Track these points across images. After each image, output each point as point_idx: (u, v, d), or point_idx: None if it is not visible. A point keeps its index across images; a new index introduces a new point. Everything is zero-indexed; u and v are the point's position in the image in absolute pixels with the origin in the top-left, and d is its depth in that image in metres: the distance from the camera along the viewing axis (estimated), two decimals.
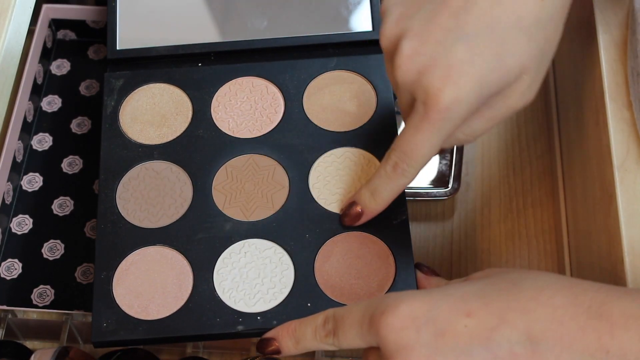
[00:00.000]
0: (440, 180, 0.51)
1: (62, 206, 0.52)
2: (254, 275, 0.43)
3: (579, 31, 0.49)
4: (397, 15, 0.38)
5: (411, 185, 0.50)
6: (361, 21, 0.50)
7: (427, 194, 0.51)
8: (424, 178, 0.51)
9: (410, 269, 0.42)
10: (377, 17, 0.49)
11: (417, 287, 0.42)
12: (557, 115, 0.54)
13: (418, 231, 0.52)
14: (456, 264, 0.51)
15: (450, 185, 0.51)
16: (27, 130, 0.54)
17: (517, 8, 0.35)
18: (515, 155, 0.55)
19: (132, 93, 0.49)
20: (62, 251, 0.50)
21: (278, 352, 0.39)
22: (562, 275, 0.43)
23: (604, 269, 0.43)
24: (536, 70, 0.37)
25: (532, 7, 0.35)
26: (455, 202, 0.53)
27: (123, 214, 0.45)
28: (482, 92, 0.36)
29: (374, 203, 0.41)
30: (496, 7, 0.35)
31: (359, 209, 0.42)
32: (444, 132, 0.36)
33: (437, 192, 0.51)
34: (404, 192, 0.44)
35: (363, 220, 0.43)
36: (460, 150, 0.52)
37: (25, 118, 0.53)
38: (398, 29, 0.37)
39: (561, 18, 0.37)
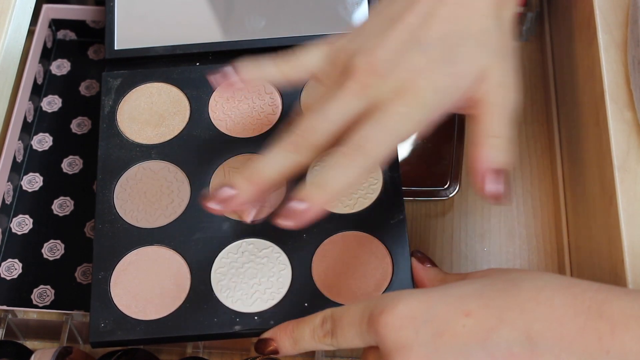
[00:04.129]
0: (440, 180, 0.51)
1: (62, 206, 0.52)
2: (251, 275, 0.42)
3: (579, 31, 0.49)
4: (354, 38, 0.39)
5: (411, 185, 0.50)
6: (359, 21, 0.50)
7: (427, 194, 0.51)
8: (424, 178, 0.51)
9: (407, 269, 0.42)
10: None
11: (414, 278, 0.42)
12: (557, 115, 0.54)
13: (418, 231, 0.52)
14: (456, 264, 0.51)
15: (450, 185, 0.51)
16: (27, 130, 0.54)
17: (464, 23, 0.38)
18: (515, 155, 0.54)
19: (130, 92, 0.49)
20: (62, 251, 0.50)
21: (276, 352, 0.39)
22: (562, 275, 0.43)
23: (604, 269, 0.42)
24: (502, 62, 0.38)
25: (477, 21, 0.38)
26: (455, 202, 0.53)
27: (121, 213, 0.45)
28: (437, 96, 0.37)
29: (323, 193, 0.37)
30: (445, 24, 0.38)
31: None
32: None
33: (437, 192, 0.51)
34: (401, 192, 0.44)
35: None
36: (460, 150, 0.51)
37: (25, 118, 0.53)
38: (349, 46, 0.39)
39: (509, 27, 0.40)
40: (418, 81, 0.37)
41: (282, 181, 0.38)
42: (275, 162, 0.37)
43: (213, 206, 0.38)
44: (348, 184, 0.36)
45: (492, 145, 0.37)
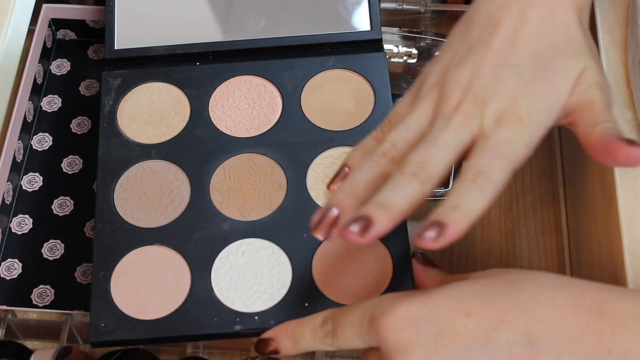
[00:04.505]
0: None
1: (62, 206, 0.52)
2: (251, 275, 0.42)
3: None
4: (440, 68, 0.39)
5: None
6: (359, 21, 0.50)
7: None
8: None
9: (408, 269, 0.42)
10: (375, 16, 0.49)
11: (415, 279, 0.42)
12: None
13: None
14: (456, 264, 0.51)
15: (450, 185, 0.50)
16: (27, 130, 0.54)
17: (550, 36, 0.38)
18: None
19: (130, 92, 0.49)
20: (62, 251, 0.50)
21: (276, 352, 0.39)
22: (562, 275, 0.43)
23: (604, 269, 0.42)
24: (592, 64, 0.38)
25: (562, 32, 0.38)
26: None
27: (121, 213, 0.45)
28: (540, 116, 0.36)
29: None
30: (533, 41, 0.38)
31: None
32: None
33: (437, 191, 0.50)
34: None
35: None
36: None
37: (25, 118, 0.53)
38: (442, 80, 0.38)
39: (588, 30, 0.40)
40: (518, 104, 0.36)
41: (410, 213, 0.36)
42: (405, 193, 0.35)
43: (353, 237, 0.35)
44: (483, 209, 0.34)
45: (606, 126, 0.36)
